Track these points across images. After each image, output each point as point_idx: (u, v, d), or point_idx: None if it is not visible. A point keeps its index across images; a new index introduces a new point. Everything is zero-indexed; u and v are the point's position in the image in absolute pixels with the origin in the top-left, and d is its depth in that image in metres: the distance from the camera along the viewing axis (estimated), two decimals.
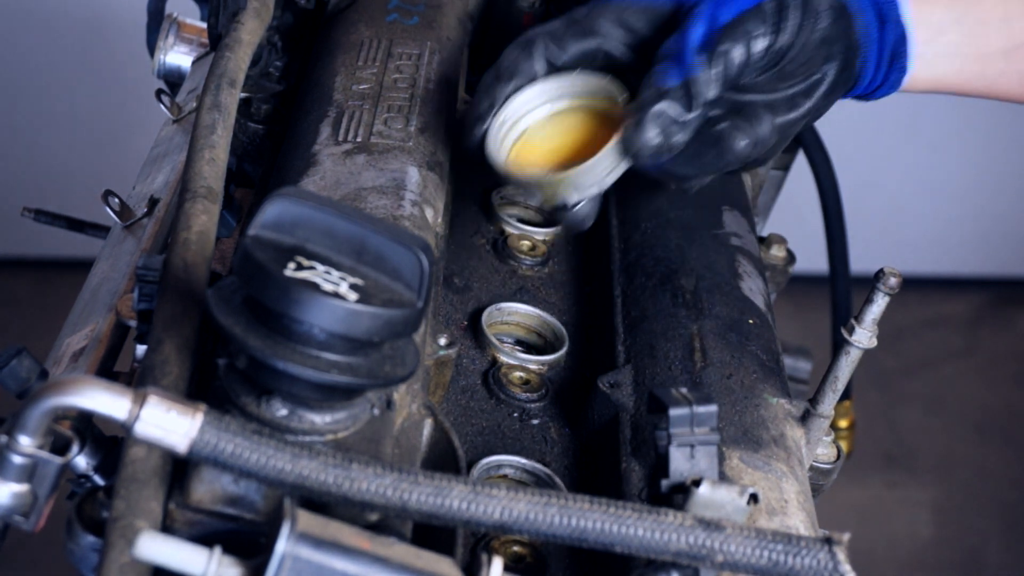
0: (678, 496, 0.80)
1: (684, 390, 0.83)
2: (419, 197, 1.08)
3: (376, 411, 0.82)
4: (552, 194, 1.04)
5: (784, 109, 1.04)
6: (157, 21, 1.43)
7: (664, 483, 0.81)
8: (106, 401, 0.71)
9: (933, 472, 3.22)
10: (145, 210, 1.23)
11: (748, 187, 1.37)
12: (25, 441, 0.74)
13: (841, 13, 1.03)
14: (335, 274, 0.74)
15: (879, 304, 0.99)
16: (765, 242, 1.34)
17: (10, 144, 3.28)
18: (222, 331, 0.74)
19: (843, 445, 1.16)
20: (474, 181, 1.31)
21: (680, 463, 0.81)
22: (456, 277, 1.19)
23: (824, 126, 3.68)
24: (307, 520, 0.69)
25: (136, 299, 0.93)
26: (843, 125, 3.53)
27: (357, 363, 0.75)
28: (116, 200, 1.23)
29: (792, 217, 3.39)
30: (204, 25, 1.39)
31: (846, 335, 1.00)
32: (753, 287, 1.16)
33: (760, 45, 1.01)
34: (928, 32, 1.06)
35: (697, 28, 1.02)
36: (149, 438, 0.71)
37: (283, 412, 0.77)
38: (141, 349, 0.99)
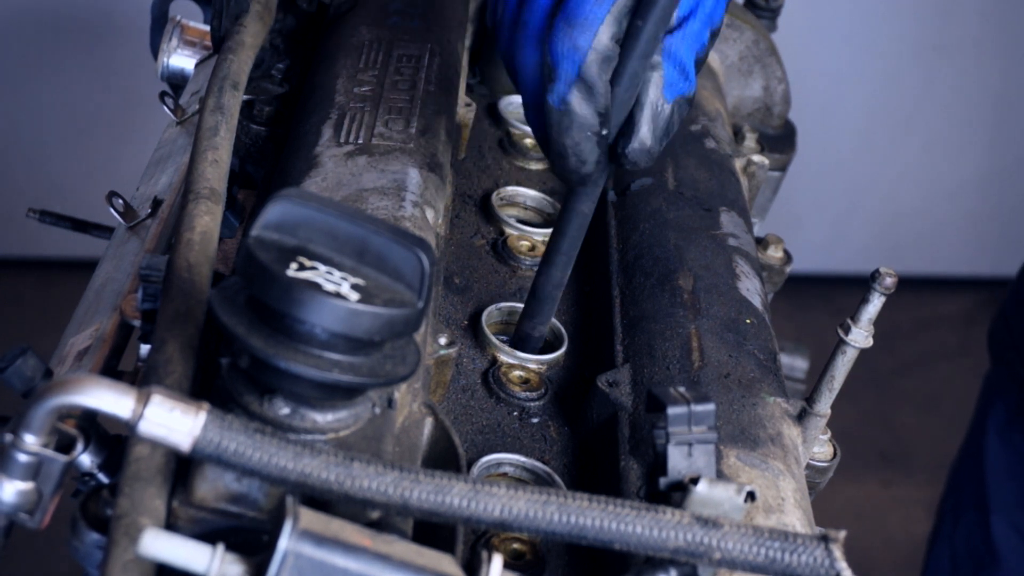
0: (676, 494, 0.80)
1: (682, 389, 0.83)
2: (420, 198, 1.08)
3: (377, 410, 0.82)
4: None
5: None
6: (161, 24, 1.44)
7: (662, 481, 0.82)
8: (110, 400, 0.71)
9: (928, 471, 3.21)
10: (149, 211, 1.23)
11: (745, 188, 1.38)
12: (30, 439, 0.74)
13: None
14: (337, 274, 0.75)
15: (875, 304, 0.99)
16: (762, 242, 1.35)
17: (14, 145, 3.28)
18: (225, 331, 0.74)
19: None
20: (474, 181, 1.32)
21: (678, 461, 0.82)
22: (456, 277, 1.20)
23: (824, 126, 3.67)
24: (309, 518, 0.70)
25: (140, 299, 0.93)
26: (842, 126, 3.54)
27: (359, 362, 0.75)
28: (120, 201, 1.24)
29: (789, 217, 3.40)
30: (207, 28, 1.40)
31: (842, 335, 1.01)
32: (750, 287, 1.17)
33: None
34: None
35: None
36: (153, 436, 0.71)
37: (285, 411, 0.77)
38: (145, 348, 0.99)
